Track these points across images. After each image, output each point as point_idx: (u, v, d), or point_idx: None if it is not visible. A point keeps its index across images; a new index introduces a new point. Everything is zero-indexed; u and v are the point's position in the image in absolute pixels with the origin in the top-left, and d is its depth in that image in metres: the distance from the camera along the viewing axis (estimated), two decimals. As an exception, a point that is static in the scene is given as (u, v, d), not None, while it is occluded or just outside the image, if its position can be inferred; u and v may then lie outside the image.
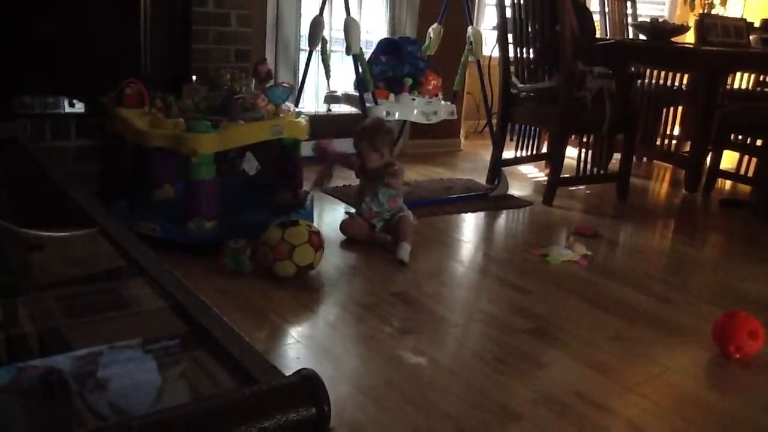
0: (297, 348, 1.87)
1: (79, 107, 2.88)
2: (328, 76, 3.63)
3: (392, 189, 2.70)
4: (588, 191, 3.88)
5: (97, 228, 0.94)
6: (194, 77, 2.94)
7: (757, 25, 4.60)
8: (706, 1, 6.08)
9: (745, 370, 1.92)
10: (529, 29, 3.54)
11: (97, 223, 0.98)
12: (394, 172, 2.64)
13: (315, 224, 2.56)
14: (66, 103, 2.90)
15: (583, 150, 3.70)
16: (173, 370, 0.66)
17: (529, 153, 4.15)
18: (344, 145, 2.79)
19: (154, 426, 0.55)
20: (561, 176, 3.53)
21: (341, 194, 3.26)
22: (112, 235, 0.91)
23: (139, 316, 0.71)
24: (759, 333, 1.92)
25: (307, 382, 0.60)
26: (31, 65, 2.73)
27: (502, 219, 3.32)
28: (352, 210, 2.82)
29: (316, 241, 2.28)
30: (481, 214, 3.29)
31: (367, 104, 3.22)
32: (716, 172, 3.96)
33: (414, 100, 3.34)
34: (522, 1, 3.54)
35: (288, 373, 0.67)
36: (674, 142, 4.47)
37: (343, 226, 2.73)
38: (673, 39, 4.23)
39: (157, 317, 0.74)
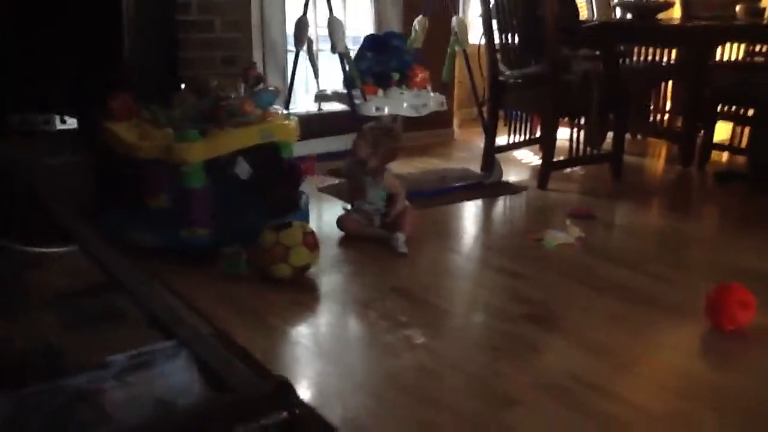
0: (297, 349, 1.89)
1: (71, 123, 2.90)
2: (316, 75, 3.65)
3: (383, 191, 2.73)
4: (583, 172, 3.88)
5: (78, 245, 0.96)
6: (183, 85, 2.95)
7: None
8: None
9: (741, 342, 1.93)
10: (513, 15, 3.54)
11: (79, 239, 0.99)
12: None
13: (313, 224, 2.57)
14: (58, 120, 2.92)
15: (576, 131, 3.71)
16: (151, 381, 0.68)
17: (522, 138, 4.15)
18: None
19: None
20: (554, 159, 3.54)
21: (337, 191, 3.27)
22: (93, 251, 0.93)
23: (118, 330, 0.73)
24: (750, 302, 1.92)
25: (279, 388, 0.62)
26: (20, 83, 2.75)
27: (498, 206, 3.34)
28: (349, 206, 2.83)
29: (311, 241, 2.29)
30: (477, 202, 3.30)
31: (356, 101, 3.23)
32: (710, 145, 3.96)
33: (402, 93, 3.35)
34: (504, -12, 3.54)
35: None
36: (666, 117, 4.47)
37: (340, 222, 2.74)
38: (659, 16, 4.22)
39: (137, 329, 0.76)
